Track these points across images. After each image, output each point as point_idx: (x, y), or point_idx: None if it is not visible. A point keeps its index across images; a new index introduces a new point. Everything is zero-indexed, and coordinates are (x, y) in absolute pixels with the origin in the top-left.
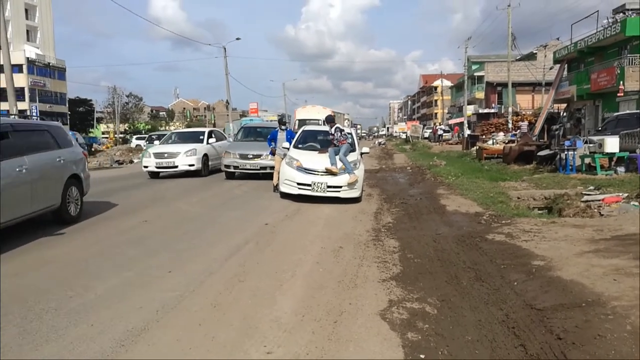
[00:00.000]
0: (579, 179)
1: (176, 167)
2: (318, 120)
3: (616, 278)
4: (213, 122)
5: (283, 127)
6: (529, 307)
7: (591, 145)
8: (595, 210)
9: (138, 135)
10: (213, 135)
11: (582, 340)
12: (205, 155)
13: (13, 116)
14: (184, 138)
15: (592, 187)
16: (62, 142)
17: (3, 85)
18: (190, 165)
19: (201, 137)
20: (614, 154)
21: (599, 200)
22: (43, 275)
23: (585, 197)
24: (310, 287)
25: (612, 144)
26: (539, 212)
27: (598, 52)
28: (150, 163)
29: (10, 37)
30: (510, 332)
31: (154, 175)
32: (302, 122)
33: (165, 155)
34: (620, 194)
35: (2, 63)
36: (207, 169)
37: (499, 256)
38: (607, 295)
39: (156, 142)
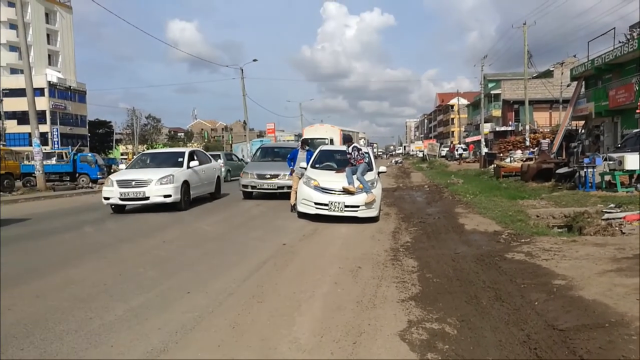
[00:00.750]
0: (599, 197)
1: (147, 198)
2: (325, 139)
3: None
4: (231, 142)
5: (307, 148)
6: (551, 328)
7: (611, 162)
8: (617, 228)
9: None
10: (195, 157)
11: None
12: (186, 182)
13: (35, 139)
14: (159, 161)
15: (612, 205)
16: None
17: (25, 108)
18: (165, 197)
19: (180, 160)
20: (634, 170)
21: (620, 218)
22: (64, 296)
23: (606, 215)
24: (329, 308)
25: (632, 161)
26: (559, 230)
27: (615, 69)
28: (113, 194)
29: (32, 61)
30: (532, 353)
31: (118, 209)
32: (310, 141)
33: (133, 183)
34: None
35: (25, 87)
36: (187, 199)
37: (519, 275)
38: (630, 315)
39: (122, 166)
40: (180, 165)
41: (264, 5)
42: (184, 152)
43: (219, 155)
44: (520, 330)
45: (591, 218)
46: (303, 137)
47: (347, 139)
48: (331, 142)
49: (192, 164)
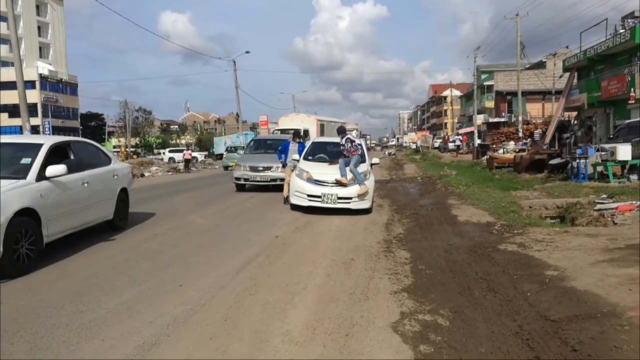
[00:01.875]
0: (591, 188)
1: None
2: (300, 129)
3: (632, 288)
4: (223, 134)
5: (298, 140)
6: (543, 318)
7: (603, 153)
8: (609, 218)
9: (171, 148)
10: (72, 155)
11: (598, 352)
12: (29, 214)
13: (26, 132)
14: None
15: (604, 196)
16: None
17: (16, 101)
18: None
19: (26, 161)
20: (626, 161)
21: (612, 208)
22: (56, 290)
23: (598, 206)
24: (322, 300)
25: (624, 151)
26: (552, 221)
27: (608, 60)
28: None
29: (23, 54)
30: (524, 344)
31: None
32: (285, 132)
33: None
34: (634, 202)
35: (15, 79)
36: (36, 249)
37: (511, 266)
38: (622, 305)
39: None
40: (23, 173)
41: None
42: (38, 145)
43: (243, 147)
44: (513, 321)
45: (583, 209)
46: (276, 128)
47: (340, 131)
48: (306, 133)
49: (53, 170)
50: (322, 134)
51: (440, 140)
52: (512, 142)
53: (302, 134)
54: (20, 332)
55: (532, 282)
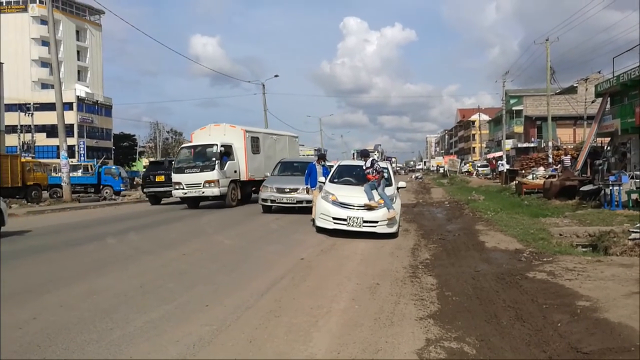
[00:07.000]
0: (625, 216)
1: None
2: (214, 144)
3: None
4: None
5: (323, 163)
6: (574, 350)
7: (638, 180)
8: None
9: None
10: None
11: None
12: None
13: (63, 152)
14: None
15: (639, 224)
16: None
17: (54, 122)
18: None
19: None
20: None
21: None
22: (86, 306)
23: (633, 235)
24: (346, 324)
25: None
26: (583, 249)
27: None
28: None
29: (63, 77)
30: None
31: None
32: (200, 148)
33: None
34: None
35: (54, 101)
36: None
37: (540, 295)
38: None
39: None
40: None
41: (284, 21)
42: None
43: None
44: (542, 352)
45: (617, 238)
46: (186, 145)
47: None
48: (228, 150)
49: None
50: (255, 150)
51: (465, 165)
52: (541, 168)
53: (217, 150)
54: (53, 347)
55: (562, 312)
